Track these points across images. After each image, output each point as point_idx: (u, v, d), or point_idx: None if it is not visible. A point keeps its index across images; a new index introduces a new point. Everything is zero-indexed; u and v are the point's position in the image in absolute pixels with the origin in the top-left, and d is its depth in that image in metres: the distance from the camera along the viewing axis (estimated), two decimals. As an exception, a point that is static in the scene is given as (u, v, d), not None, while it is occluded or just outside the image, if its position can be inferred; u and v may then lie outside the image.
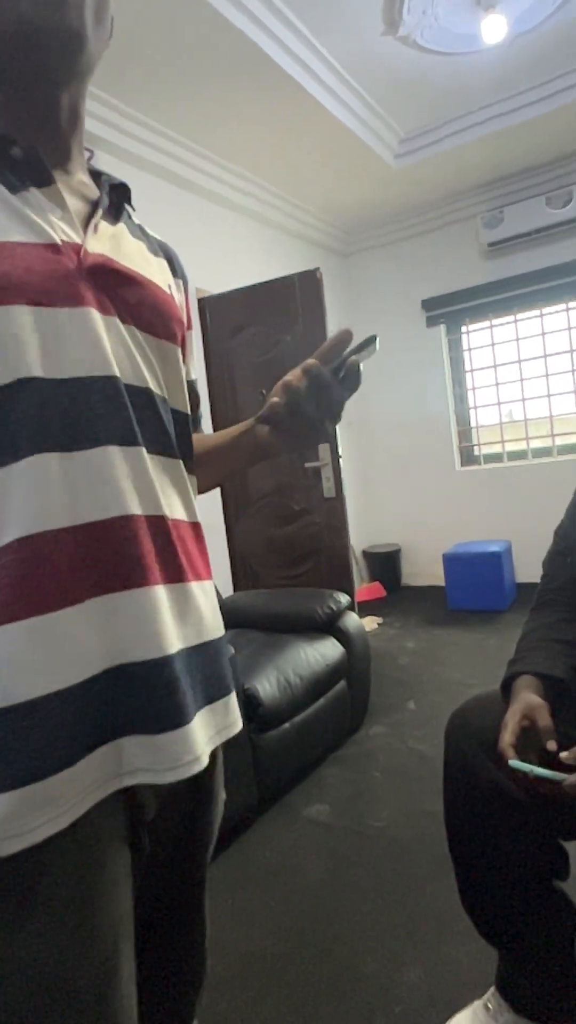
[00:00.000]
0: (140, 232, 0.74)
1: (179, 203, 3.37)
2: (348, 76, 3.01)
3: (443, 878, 1.56)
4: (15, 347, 0.54)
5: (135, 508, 0.59)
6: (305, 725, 2.13)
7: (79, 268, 0.59)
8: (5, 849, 0.51)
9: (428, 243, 4.66)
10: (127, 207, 0.72)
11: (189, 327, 0.79)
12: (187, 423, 0.70)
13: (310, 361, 0.63)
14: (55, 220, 0.59)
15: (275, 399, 0.64)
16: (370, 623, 3.95)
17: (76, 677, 0.55)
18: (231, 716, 0.71)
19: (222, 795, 0.76)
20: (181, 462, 0.68)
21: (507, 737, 0.92)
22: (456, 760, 1.06)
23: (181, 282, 0.78)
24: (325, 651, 2.33)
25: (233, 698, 0.72)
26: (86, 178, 0.69)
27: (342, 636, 2.46)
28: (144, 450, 0.61)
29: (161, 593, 0.61)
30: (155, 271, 0.70)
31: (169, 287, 0.72)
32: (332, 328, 3.25)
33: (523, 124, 3.45)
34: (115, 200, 0.69)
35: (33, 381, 0.55)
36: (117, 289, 0.62)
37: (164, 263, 0.74)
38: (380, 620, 4.05)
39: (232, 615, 2.66)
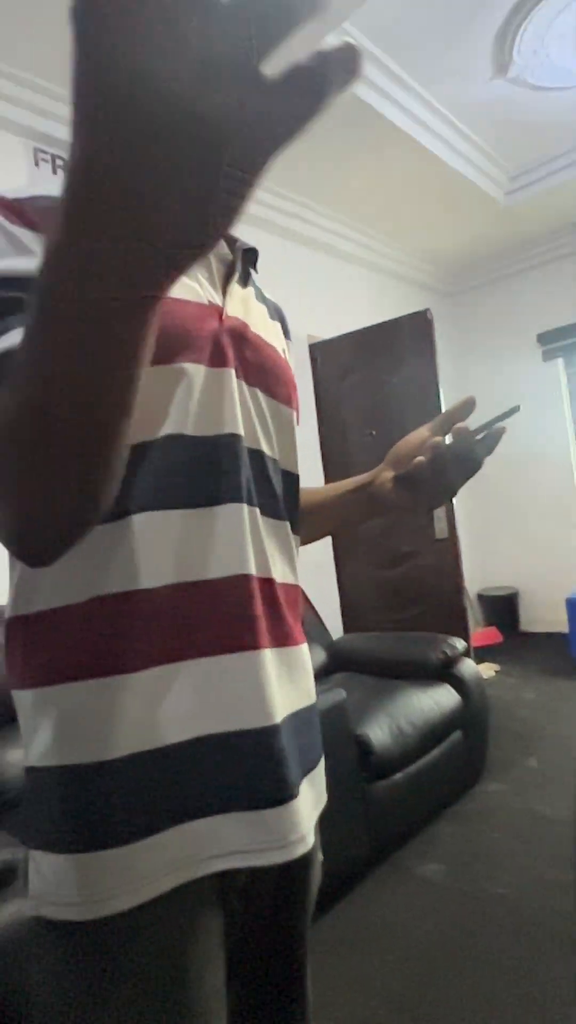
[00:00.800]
0: (261, 296, 0.75)
1: (290, 255, 3.51)
2: (457, 121, 3.04)
3: (572, 959, 1.42)
4: (169, 402, 0.55)
5: (251, 568, 0.58)
6: (419, 776, 2.04)
7: (221, 329, 0.60)
8: (86, 914, 0.49)
9: (541, 277, 4.53)
10: (252, 271, 0.74)
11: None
12: (296, 484, 0.70)
13: (460, 425, 0.65)
14: (203, 281, 0.61)
15: (421, 458, 0.65)
16: (486, 670, 3.76)
17: (169, 738, 0.52)
18: (320, 786, 0.67)
19: (319, 858, 0.71)
20: (288, 524, 0.67)
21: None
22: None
23: (289, 343, 0.80)
24: (439, 698, 2.24)
25: (323, 765, 0.68)
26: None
27: (457, 683, 2.35)
28: (258, 511, 0.61)
29: (270, 657, 0.59)
30: (274, 336, 0.71)
31: (283, 351, 0.73)
32: (443, 368, 3.22)
33: None
34: (245, 264, 0.71)
35: (179, 438, 0.55)
36: (246, 351, 0.63)
37: (279, 327, 0.76)
38: (497, 667, 3.85)
39: (342, 658, 2.64)
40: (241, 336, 0.63)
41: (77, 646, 0.53)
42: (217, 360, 0.58)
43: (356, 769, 1.86)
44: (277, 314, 0.78)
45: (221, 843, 0.54)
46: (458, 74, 2.71)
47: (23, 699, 0.56)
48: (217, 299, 0.62)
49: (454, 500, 3.03)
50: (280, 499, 0.66)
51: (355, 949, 1.57)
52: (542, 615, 4.59)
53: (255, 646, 0.57)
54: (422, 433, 0.70)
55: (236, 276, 0.66)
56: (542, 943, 1.50)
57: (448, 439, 0.65)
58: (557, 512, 4.53)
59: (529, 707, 3.13)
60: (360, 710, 2.03)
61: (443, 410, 3.19)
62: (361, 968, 1.50)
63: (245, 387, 0.62)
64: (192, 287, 0.60)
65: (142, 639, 0.53)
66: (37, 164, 2.36)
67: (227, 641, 0.56)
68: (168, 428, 0.55)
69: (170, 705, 0.53)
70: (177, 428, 0.55)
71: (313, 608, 2.78)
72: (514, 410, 0.64)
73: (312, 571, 3.30)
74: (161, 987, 0.51)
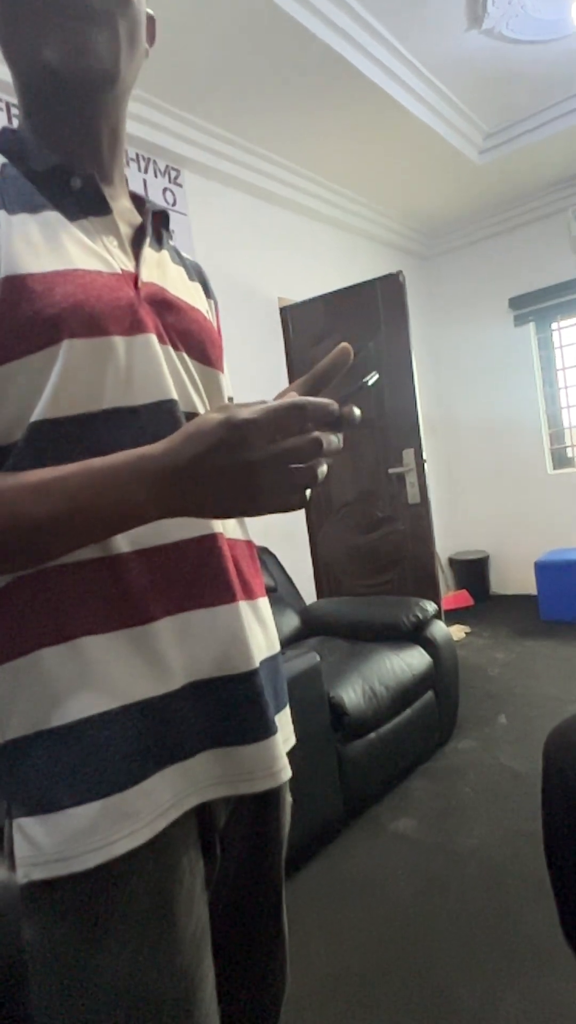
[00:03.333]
0: (178, 257, 0.75)
1: (260, 215, 3.42)
2: (430, 75, 2.96)
3: (543, 905, 1.48)
4: (98, 376, 0.55)
5: (218, 527, 0.61)
6: (391, 736, 2.09)
7: (137, 297, 0.60)
8: (86, 863, 0.51)
9: (515, 240, 4.49)
10: (165, 232, 0.73)
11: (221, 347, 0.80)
12: None
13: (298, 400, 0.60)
14: (112, 248, 0.61)
15: None
16: (457, 632, 3.84)
17: (152, 691, 0.55)
18: (289, 727, 0.72)
19: (288, 799, 0.76)
20: None
21: None
22: (557, 782, 1.00)
23: (213, 303, 0.80)
24: (411, 660, 2.27)
25: (288, 710, 0.73)
26: (128, 203, 0.70)
27: (429, 645, 2.39)
28: None
29: (244, 608, 0.63)
30: (195, 297, 0.71)
31: (207, 312, 0.73)
32: (415, 332, 3.19)
33: (618, 108, 3.26)
34: (156, 226, 0.70)
35: (115, 411, 0.56)
36: (168, 317, 0.62)
37: (199, 287, 0.76)
38: (468, 630, 3.93)
39: (315, 623, 2.65)
40: (160, 301, 0.62)
41: (48, 612, 0.54)
42: (136, 328, 0.58)
43: (330, 730, 1.89)
44: (197, 274, 0.77)
45: (202, 777, 0.58)
46: (432, 25, 2.63)
47: None
48: (130, 266, 0.62)
49: (425, 465, 3.07)
50: None
51: (331, 902, 1.61)
52: (512, 578, 4.69)
53: (231, 599, 0.61)
54: (289, 394, 0.66)
55: (148, 241, 0.65)
56: (514, 891, 1.56)
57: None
58: (527, 476, 4.59)
59: (499, 666, 3.21)
60: (333, 673, 2.06)
61: (415, 375, 3.10)
62: (337, 920, 1.55)
63: (172, 352, 0.62)
64: (102, 256, 0.59)
65: (117, 601, 0.55)
66: (-8, 113, 2.24)
67: (206, 596, 0.59)
68: (99, 403, 0.55)
69: (155, 659, 0.56)
70: (112, 402, 0.55)
71: (286, 574, 2.78)
72: (363, 385, 0.57)
73: (285, 537, 3.30)
74: (153, 925, 0.54)
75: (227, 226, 3.18)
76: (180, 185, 2.95)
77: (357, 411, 0.56)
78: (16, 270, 0.53)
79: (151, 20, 0.66)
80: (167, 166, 2.90)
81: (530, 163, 3.76)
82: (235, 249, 3.19)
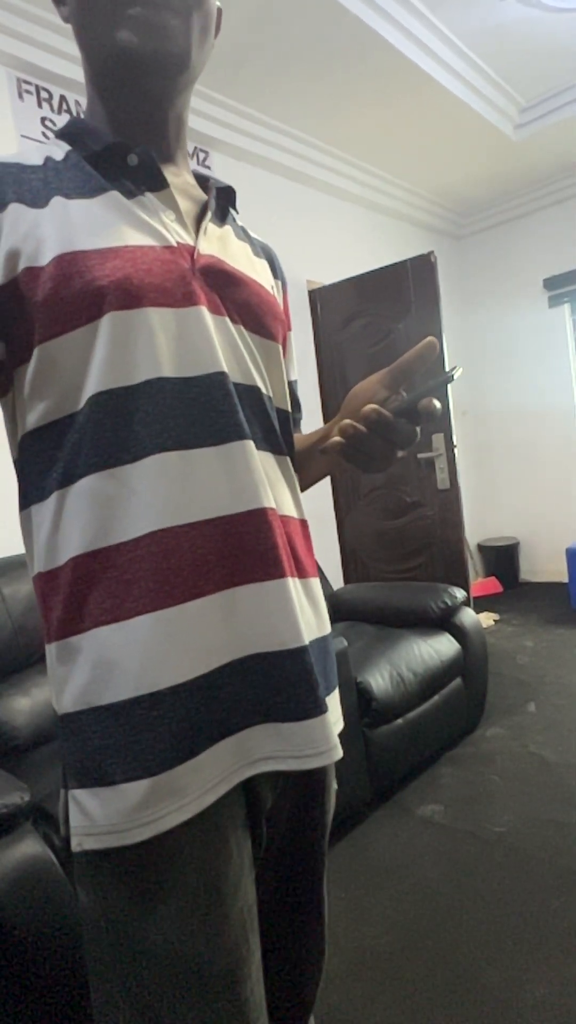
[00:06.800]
0: (244, 234, 0.75)
1: (290, 196, 3.38)
2: (464, 47, 2.87)
3: (571, 893, 1.46)
4: (145, 348, 0.56)
5: (267, 502, 0.60)
6: (419, 722, 2.08)
7: (192, 268, 0.60)
8: (135, 836, 0.53)
9: (550, 218, 4.37)
10: (232, 210, 0.74)
11: (288, 328, 0.80)
12: (289, 422, 0.71)
13: (369, 407, 0.59)
14: (169, 222, 0.62)
15: (336, 439, 0.61)
16: (486, 619, 3.80)
17: (201, 668, 0.56)
18: (338, 711, 0.71)
19: (333, 785, 0.77)
20: (288, 459, 0.69)
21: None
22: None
23: (280, 284, 0.80)
24: (439, 647, 2.26)
25: (338, 693, 0.72)
26: (191, 179, 0.71)
27: (457, 632, 2.37)
28: (263, 447, 0.63)
29: (292, 584, 0.62)
30: (259, 272, 0.71)
31: (272, 288, 0.73)
32: (446, 314, 3.13)
33: None
34: (221, 203, 0.71)
35: (160, 381, 0.56)
36: (226, 289, 0.63)
37: (266, 264, 0.76)
38: (496, 617, 3.88)
39: (343, 608, 2.65)
40: (218, 272, 0.63)
41: (104, 592, 0.55)
42: (188, 299, 0.59)
43: (357, 715, 1.89)
44: (264, 252, 0.78)
45: (251, 752, 0.59)
46: (467, -6, 2.54)
47: (50, 651, 0.59)
48: (188, 239, 0.62)
49: (455, 451, 3.02)
50: (279, 434, 0.67)
51: (357, 883, 1.62)
52: (542, 565, 4.61)
53: (280, 575, 0.60)
54: (371, 384, 0.67)
55: (209, 215, 0.66)
56: (542, 878, 1.55)
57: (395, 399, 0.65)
58: (559, 462, 4.49)
59: (528, 654, 3.17)
60: (361, 658, 2.05)
61: (446, 358, 3.08)
62: (363, 901, 1.56)
63: (229, 324, 0.62)
64: (157, 230, 0.60)
65: (169, 577, 0.55)
66: (21, 97, 2.24)
67: (254, 572, 0.59)
68: (146, 373, 0.56)
69: (204, 635, 0.56)
70: (155, 372, 0.56)
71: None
72: (448, 379, 0.59)
73: (312, 522, 3.29)
74: (201, 899, 0.55)
75: (256, 208, 3.15)
76: (208, 168, 2.92)
77: (438, 404, 0.59)
78: (70, 248, 0.56)
79: (219, 12, 0.68)
80: (195, 148, 2.87)
81: (568, 138, 3.64)
82: (264, 231, 3.16)
